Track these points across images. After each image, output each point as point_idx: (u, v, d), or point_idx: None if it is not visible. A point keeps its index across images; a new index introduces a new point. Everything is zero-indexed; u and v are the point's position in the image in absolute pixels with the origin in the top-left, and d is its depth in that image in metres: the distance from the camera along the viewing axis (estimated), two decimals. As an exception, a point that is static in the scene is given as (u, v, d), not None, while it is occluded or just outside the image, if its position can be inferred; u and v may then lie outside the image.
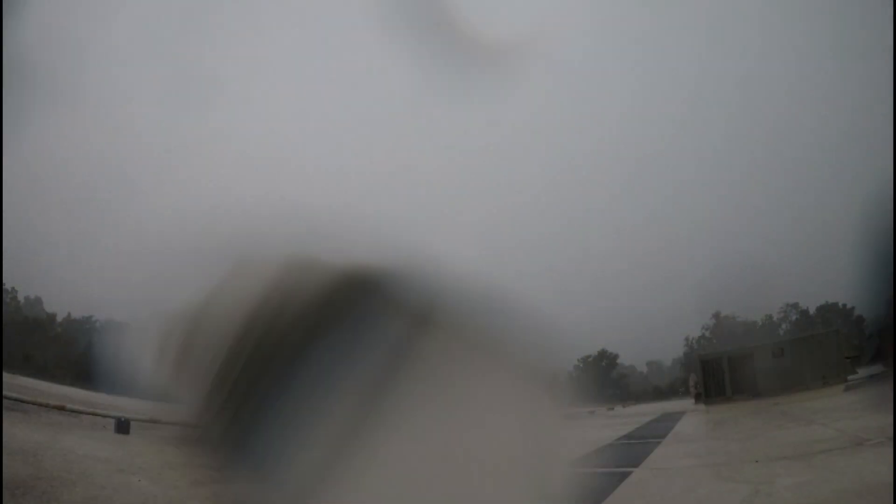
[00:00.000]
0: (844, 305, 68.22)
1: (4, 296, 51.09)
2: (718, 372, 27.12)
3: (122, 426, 9.54)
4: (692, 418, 19.03)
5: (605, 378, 79.49)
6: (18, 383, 15.78)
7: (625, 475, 6.94)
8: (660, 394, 68.71)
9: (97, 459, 6.29)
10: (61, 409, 9.92)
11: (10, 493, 4.04)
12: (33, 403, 9.48)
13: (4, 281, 50.99)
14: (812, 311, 70.14)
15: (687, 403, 35.15)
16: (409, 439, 2.93)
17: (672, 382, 74.05)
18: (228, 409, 3.13)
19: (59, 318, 56.81)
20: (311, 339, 3.05)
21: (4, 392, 8.35)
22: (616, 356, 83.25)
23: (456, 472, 3.00)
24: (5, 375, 15.54)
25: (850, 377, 22.93)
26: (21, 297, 56.31)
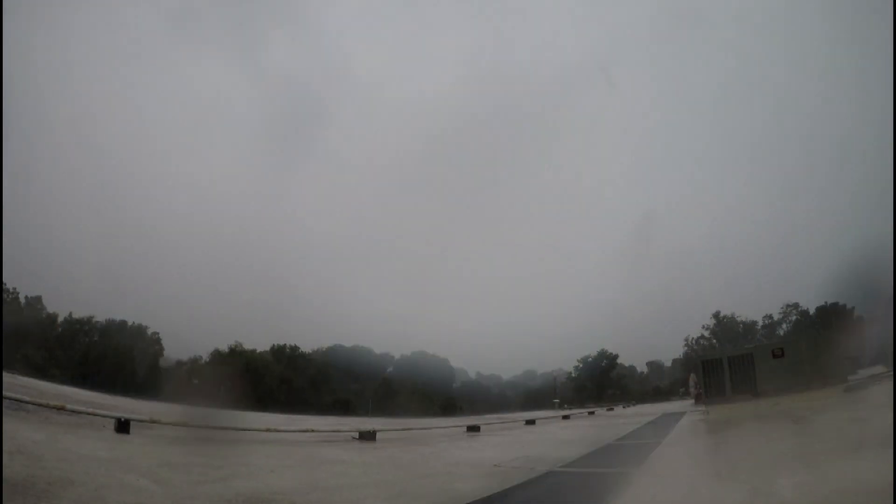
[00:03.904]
0: (844, 305, 68.19)
1: (4, 296, 51.04)
2: (718, 372, 27.12)
3: (123, 426, 9.53)
4: (692, 419, 19.01)
5: (605, 378, 79.29)
6: (18, 383, 15.77)
7: (624, 475, 6.94)
8: (660, 394, 68.65)
9: (97, 459, 6.29)
10: (61, 409, 9.90)
11: (10, 493, 4.03)
12: (33, 403, 9.47)
13: (5, 281, 50.95)
14: (812, 311, 70.03)
15: (687, 404, 35.15)
16: None
17: (672, 383, 74.02)
18: None
19: (60, 318, 56.76)
20: None
21: (4, 392, 8.35)
22: (616, 356, 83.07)
23: None
24: (5, 375, 15.53)
25: (850, 377, 22.93)
26: (21, 298, 56.25)
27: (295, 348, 63.92)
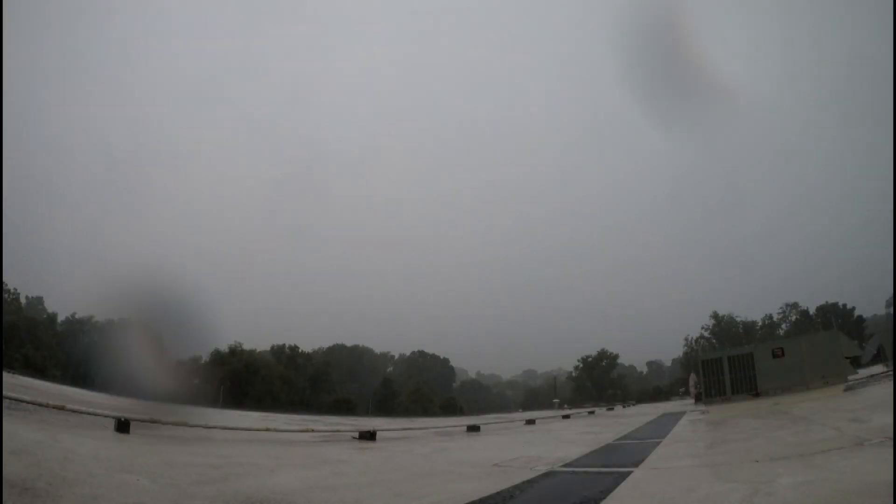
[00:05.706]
0: (844, 305, 68.25)
1: (5, 295, 51.02)
2: (718, 372, 27.12)
3: (122, 426, 9.54)
4: (692, 418, 19.02)
5: (605, 378, 79.23)
6: (18, 383, 15.79)
7: (624, 475, 6.94)
8: (660, 394, 68.64)
9: (97, 459, 6.29)
10: (61, 408, 9.91)
11: (10, 493, 4.03)
12: (33, 403, 9.47)
13: (5, 281, 50.88)
14: (812, 311, 70.05)
15: (687, 403, 35.16)
16: None
17: (672, 382, 74.07)
18: None
19: (60, 318, 56.76)
20: None
21: (4, 392, 8.35)
22: (616, 356, 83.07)
23: None
24: (5, 375, 15.54)
25: (850, 377, 22.95)
26: (22, 298, 56.18)
27: (295, 348, 64.01)
